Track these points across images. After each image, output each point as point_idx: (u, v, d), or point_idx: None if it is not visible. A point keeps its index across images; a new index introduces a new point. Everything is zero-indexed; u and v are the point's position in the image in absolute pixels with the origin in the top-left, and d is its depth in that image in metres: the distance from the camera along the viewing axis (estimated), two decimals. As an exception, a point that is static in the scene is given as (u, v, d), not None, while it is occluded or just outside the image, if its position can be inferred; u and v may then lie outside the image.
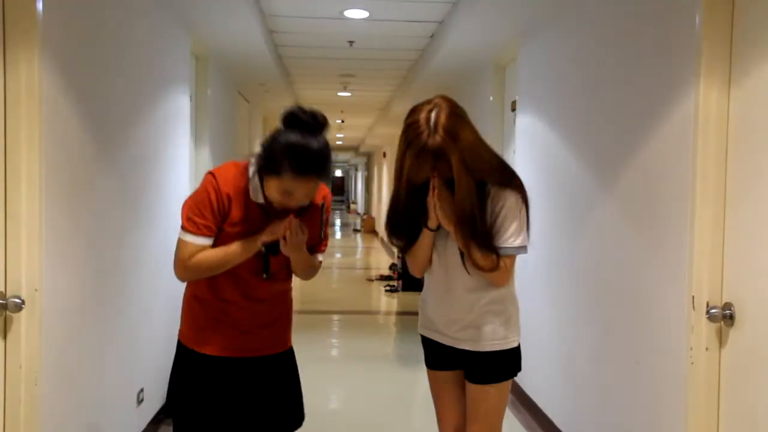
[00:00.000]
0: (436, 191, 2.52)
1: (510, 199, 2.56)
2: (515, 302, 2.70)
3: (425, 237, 2.63)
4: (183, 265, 2.52)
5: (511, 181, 2.60)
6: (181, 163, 4.96)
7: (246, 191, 2.52)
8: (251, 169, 2.53)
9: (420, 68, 7.31)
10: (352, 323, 8.49)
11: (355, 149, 24.42)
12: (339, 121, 14.36)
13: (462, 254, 2.57)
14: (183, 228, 2.52)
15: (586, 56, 3.98)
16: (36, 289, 2.64)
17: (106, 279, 3.44)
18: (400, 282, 10.88)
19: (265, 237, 2.52)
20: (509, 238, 2.55)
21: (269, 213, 2.55)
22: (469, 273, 2.58)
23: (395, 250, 13.45)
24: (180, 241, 2.53)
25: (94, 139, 3.25)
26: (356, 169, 38.12)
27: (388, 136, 16.15)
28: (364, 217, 25.76)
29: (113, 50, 3.51)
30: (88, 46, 3.18)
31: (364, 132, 17.20)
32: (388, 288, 10.91)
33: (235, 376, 2.64)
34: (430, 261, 2.71)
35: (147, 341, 4.17)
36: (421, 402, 5.55)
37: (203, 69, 5.88)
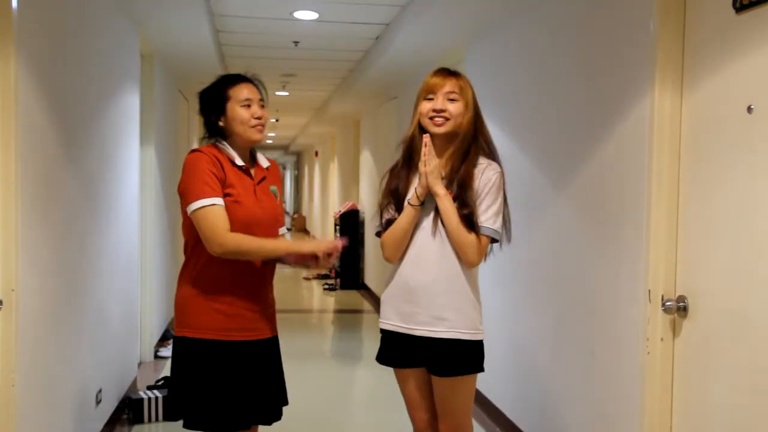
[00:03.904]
0: (427, 149, 2.67)
1: (495, 177, 2.73)
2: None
3: (406, 215, 2.73)
4: (224, 237, 2.59)
5: (495, 158, 2.79)
6: (132, 163, 4.94)
7: (230, 158, 2.73)
8: (214, 141, 2.78)
9: (363, 69, 7.40)
10: (292, 321, 8.52)
11: (285, 148, 24.34)
12: (273, 120, 14.32)
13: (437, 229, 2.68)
14: (200, 197, 2.60)
15: (538, 59, 4.15)
16: (13, 290, 2.63)
17: (69, 279, 3.43)
18: (338, 280, 10.97)
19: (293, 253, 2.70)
20: (490, 218, 2.70)
21: (249, 175, 2.77)
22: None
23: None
24: (206, 209, 2.59)
25: (61, 139, 3.25)
26: (284, 168, 37.93)
27: (321, 135, 16.19)
28: (294, 216, 25.70)
29: (74, 50, 3.50)
30: (54, 45, 3.17)
31: (297, 131, 17.18)
32: (326, 286, 10.97)
33: (243, 359, 2.74)
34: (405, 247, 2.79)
35: (104, 341, 4.15)
36: (359, 399, 5.66)
37: (148, 68, 5.84)
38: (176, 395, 2.75)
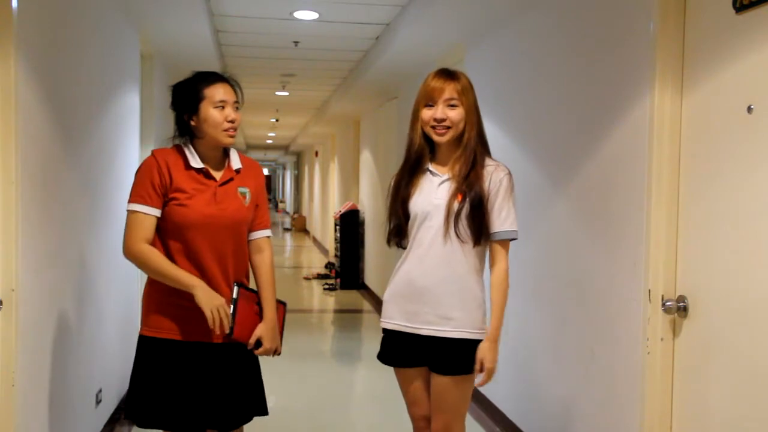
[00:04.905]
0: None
1: (506, 179, 2.75)
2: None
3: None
4: (133, 243, 2.62)
5: (494, 159, 2.81)
6: (133, 163, 4.94)
7: (183, 161, 2.69)
8: (180, 141, 2.75)
9: (363, 69, 7.40)
10: (292, 321, 8.51)
11: (285, 148, 24.35)
12: (273, 120, 14.32)
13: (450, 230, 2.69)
14: (131, 201, 2.65)
15: (538, 59, 4.15)
16: (13, 290, 2.64)
17: (69, 277, 3.44)
18: (338, 280, 10.97)
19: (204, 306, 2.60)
20: (513, 222, 2.75)
21: (210, 176, 2.72)
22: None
23: (330, 249, 13.56)
24: (129, 215, 2.64)
25: (61, 139, 3.25)
26: (284, 168, 37.94)
27: (321, 135, 16.19)
28: (295, 216, 25.71)
29: (74, 50, 3.49)
30: (54, 45, 3.17)
31: (297, 131, 17.18)
32: (326, 286, 10.98)
33: (201, 362, 2.70)
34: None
35: (105, 340, 4.15)
36: (359, 399, 5.65)
37: (148, 68, 5.83)
38: (131, 394, 2.74)
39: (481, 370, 2.66)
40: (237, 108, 2.74)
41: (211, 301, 2.59)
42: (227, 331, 2.63)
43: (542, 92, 4.07)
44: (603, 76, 3.33)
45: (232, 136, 2.71)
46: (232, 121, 2.69)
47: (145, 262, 2.63)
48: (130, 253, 2.65)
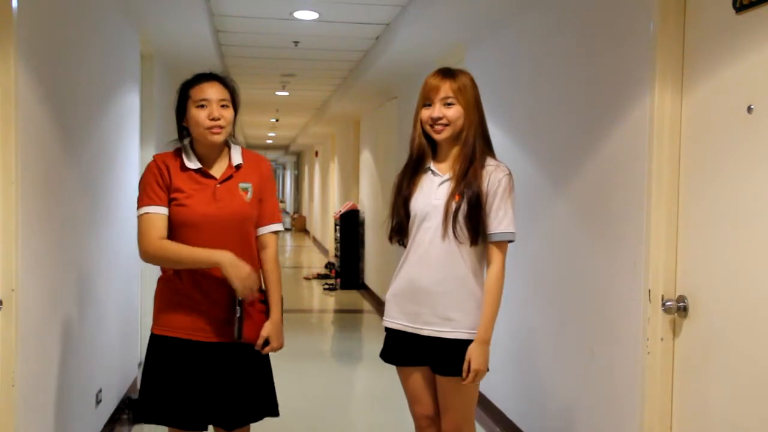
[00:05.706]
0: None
1: (505, 180, 2.74)
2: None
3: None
4: (148, 243, 2.64)
5: (497, 159, 2.80)
6: (133, 163, 4.95)
7: (180, 163, 2.73)
8: (180, 143, 2.79)
9: (363, 69, 7.40)
10: (292, 321, 8.52)
11: (285, 148, 24.34)
12: (273, 120, 14.32)
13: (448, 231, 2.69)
14: (139, 206, 2.69)
15: (538, 59, 4.15)
16: (13, 290, 2.63)
17: (69, 277, 3.44)
18: (338, 280, 10.97)
19: (233, 279, 2.62)
20: (509, 224, 2.73)
21: (208, 176, 2.73)
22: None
23: (330, 249, 13.57)
24: (140, 218, 2.68)
25: (61, 139, 3.25)
26: (284, 168, 37.93)
27: (321, 135, 16.19)
28: (295, 216, 25.72)
29: (74, 49, 3.50)
30: (54, 45, 3.17)
31: (297, 131, 17.18)
32: (326, 286, 10.98)
33: (209, 360, 2.71)
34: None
35: (105, 340, 4.15)
36: (359, 399, 5.65)
37: (148, 68, 5.84)
38: (141, 391, 2.77)
39: (469, 371, 2.65)
40: (224, 105, 2.70)
41: (240, 273, 2.61)
42: (257, 293, 2.71)
43: (542, 92, 4.08)
44: (603, 76, 3.33)
45: (217, 134, 2.68)
46: (215, 119, 2.66)
47: (165, 256, 2.65)
48: (148, 254, 2.66)
